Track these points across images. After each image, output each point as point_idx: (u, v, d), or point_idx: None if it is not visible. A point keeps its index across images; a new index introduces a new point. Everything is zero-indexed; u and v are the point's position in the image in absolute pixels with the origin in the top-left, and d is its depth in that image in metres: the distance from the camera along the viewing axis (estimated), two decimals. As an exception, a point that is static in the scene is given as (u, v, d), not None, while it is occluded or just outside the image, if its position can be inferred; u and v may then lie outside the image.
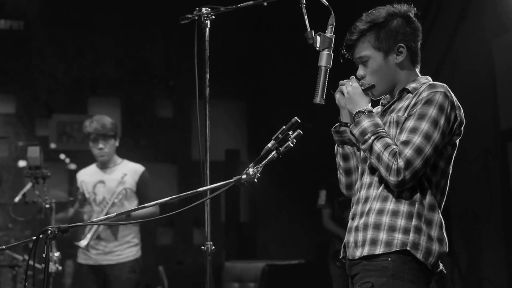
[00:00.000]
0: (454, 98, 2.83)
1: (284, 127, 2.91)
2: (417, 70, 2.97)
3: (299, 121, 2.89)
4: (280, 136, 2.92)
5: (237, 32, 8.82)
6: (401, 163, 2.71)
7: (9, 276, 6.96)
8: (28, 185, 5.60)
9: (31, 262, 2.86)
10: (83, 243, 5.58)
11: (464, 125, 2.86)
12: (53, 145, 8.75)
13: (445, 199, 2.90)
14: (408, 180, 2.72)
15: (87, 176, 5.80)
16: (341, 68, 3.11)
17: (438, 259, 2.81)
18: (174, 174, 9.12)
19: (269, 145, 2.92)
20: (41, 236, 2.82)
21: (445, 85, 2.83)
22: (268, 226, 9.17)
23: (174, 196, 3.01)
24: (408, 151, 2.72)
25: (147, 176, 5.79)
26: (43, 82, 8.82)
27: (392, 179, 2.73)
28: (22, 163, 8.32)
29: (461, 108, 2.85)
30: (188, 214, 9.08)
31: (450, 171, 2.89)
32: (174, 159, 8.97)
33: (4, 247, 2.94)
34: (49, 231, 2.86)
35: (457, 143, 2.89)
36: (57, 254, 5.50)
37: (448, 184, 2.89)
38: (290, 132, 2.90)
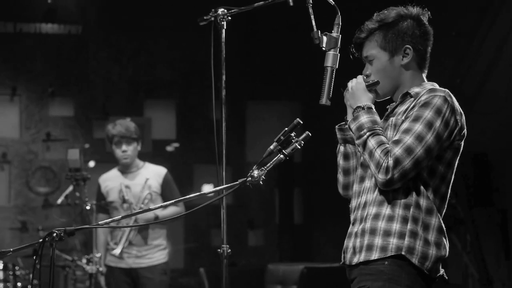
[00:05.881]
0: (456, 104, 2.76)
1: (286, 128, 2.88)
2: (424, 75, 2.92)
3: (301, 122, 2.86)
4: (282, 138, 2.89)
5: (290, 32, 8.76)
6: (390, 161, 2.66)
7: (61, 276, 7.11)
8: (70, 188, 5.69)
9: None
10: (117, 251, 5.63)
11: (464, 131, 2.79)
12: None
13: (445, 205, 2.81)
14: (396, 180, 2.67)
15: (111, 182, 5.78)
16: (352, 67, 3.06)
17: (436, 264, 2.73)
18: (229, 176, 9.09)
19: (271, 147, 2.92)
20: (47, 239, 2.85)
21: (446, 90, 2.78)
22: (322, 228, 9.07)
23: (180, 199, 3.11)
24: (397, 150, 2.67)
25: (170, 177, 5.81)
26: (100, 85, 8.99)
27: (380, 176, 2.69)
28: (91, 164, 8.47)
29: (463, 115, 2.79)
30: (243, 216, 9.07)
31: (452, 177, 2.81)
32: (228, 160, 8.95)
33: (11, 249, 2.96)
34: (55, 234, 2.89)
35: (460, 148, 2.80)
36: (98, 255, 5.58)
37: (450, 191, 2.81)
38: (292, 134, 2.88)
